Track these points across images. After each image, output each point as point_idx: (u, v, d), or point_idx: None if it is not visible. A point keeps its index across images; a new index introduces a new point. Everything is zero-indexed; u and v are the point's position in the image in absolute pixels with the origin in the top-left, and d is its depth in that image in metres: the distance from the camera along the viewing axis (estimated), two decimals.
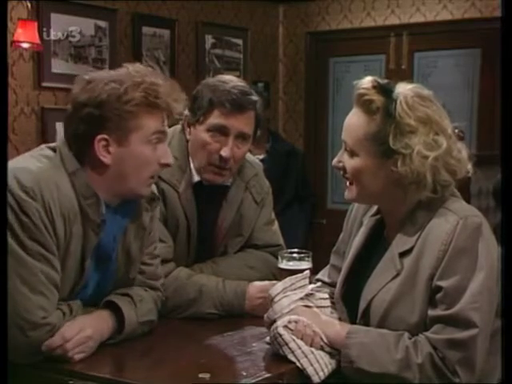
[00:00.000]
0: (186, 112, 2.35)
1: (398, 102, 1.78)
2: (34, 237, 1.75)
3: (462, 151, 1.84)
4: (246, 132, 2.32)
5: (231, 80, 2.35)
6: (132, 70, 1.89)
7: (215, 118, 2.28)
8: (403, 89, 1.82)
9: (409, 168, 1.77)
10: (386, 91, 1.81)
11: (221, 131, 2.29)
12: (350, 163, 1.86)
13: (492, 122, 5.18)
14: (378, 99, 1.80)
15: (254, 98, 2.32)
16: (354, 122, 1.85)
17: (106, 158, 1.85)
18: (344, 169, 1.88)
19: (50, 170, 1.82)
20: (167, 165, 1.95)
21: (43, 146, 1.94)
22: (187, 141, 2.38)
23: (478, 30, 5.32)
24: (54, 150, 1.89)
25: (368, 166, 1.83)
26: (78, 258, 1.86)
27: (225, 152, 2.28)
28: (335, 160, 1.91)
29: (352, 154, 1.85)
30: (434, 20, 5.52)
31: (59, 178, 1.82)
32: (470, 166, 1.85)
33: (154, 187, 2.05)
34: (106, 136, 1.83)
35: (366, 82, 1.84)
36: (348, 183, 1.90)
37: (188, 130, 2.36)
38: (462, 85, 5.43)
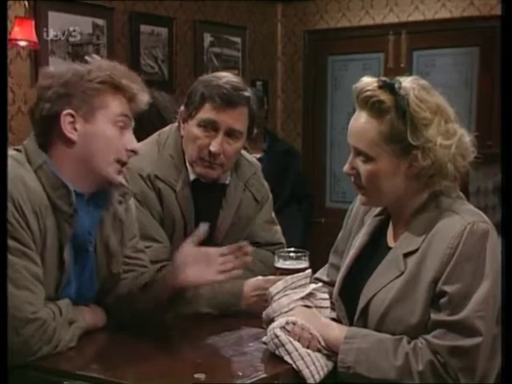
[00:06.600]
0: (182, 108, 2.33)
1: (410, 96, 1.75)
2: (10, 234, 1.75)
3: (465, 134, 1.82)
4: (236, 128, 2.27)
5: (225, 76, 2.32)
6: (95, 61, 1.93)
7: (205, 113, 2.25)
8: (406, 83, 1.79)
9: (430, 160, 1.75)
10: (392, 89, 1.77)
11: (211, 126, 2.25)
12: (365, 168, 1.80)
13: (490, 120, 5.17)
14: (387, 98, 1.76)
15: (247, 93, 2.28)
16: (364, 126, 1.79)
17: (72, 135, 1.86)
18: (358, 175, 1.83)
19: (16, 168, 1.83)
20: (134, 151, 1.93)
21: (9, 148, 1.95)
22: (182, 137, 2.35)
23: (476, 28, 5.32)
24: (18, 150, 1.91)
25: (386, 167, 1.78)
26: (56, 252, 1.86)
27: (213, 147, 2.24)
28: (347, 167, 1.85)
29: (367, 158, 1.79)
30: (432, 18, 5.52)
31: (25, 174, 1.83)
32: (473, 149, 1.83)
33: (124, 181, 1.98)
34: (71, 111, 1.85)
35: (369, 82, 1.79)
36: (360, 188, 1.85)
37: (182, 125, 2.34)
38: (460, 83, 5.42)
